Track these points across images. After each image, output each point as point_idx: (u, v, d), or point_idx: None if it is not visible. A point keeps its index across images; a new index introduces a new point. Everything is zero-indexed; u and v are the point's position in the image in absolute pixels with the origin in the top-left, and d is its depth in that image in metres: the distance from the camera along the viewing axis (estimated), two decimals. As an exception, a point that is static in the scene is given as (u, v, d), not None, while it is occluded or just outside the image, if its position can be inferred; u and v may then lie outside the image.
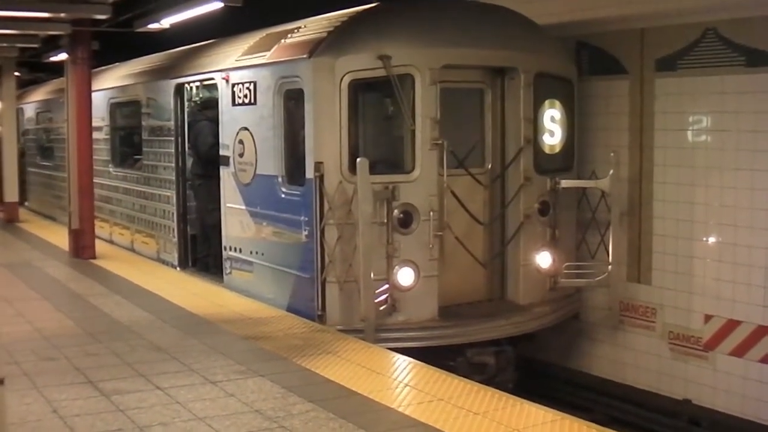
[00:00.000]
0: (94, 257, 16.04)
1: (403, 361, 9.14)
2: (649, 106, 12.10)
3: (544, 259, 11.94)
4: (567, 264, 12.12)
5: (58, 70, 21.55)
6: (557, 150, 12.29)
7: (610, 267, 11.92)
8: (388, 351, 9.60)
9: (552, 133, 12.14)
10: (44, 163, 24.34)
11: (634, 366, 12.50)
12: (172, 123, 14.97)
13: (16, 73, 25.06)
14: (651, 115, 12.08)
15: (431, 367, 8.94)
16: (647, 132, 12.12)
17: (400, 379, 8.52)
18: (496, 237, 11.99)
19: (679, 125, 11.77)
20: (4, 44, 20.23)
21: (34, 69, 28.14)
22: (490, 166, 11.97)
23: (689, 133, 11.69)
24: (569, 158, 12.48)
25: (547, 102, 12.05)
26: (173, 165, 15.02)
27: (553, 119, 12.12)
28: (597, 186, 12.14)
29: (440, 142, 10.91)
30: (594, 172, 12.58)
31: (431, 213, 10.87)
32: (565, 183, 12.00)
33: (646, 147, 12.15)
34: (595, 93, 12.79)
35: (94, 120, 16.60)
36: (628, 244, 12.33)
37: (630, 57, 12.31)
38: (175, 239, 15.13)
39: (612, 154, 11.84)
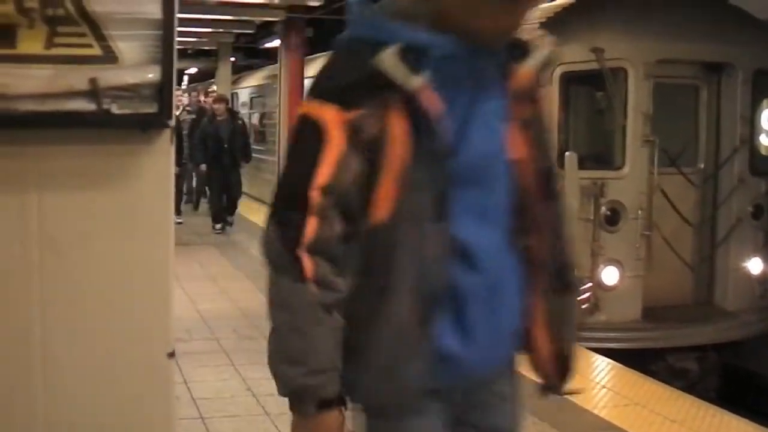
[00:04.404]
0: (300, 240, 16.19)
1: (601, 362, 8.91)
2: None
3: (755, 265, 11.44)
4: (780, 271, 11.61)
5: (272, 56, 22.04)
6: (775, 152, 11.79)
7: (827, 277, 11.36)
8: (587, 351, 9.38)
9: (770, 134, 11.66)
10: (257, 147, 24.89)
11: None
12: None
13: (232, 59, 25.78)
14: None
15: (629, 369, 8.69)
16: None
17: (597, 381, 8.30)
18: (705, 239, 11.55)
19: None
20: (221, 30, 20.83)
21: (249, 55, 28.92)
22: (702, 166, 11.56)
23: None
24: (788, 161, 11.94)
25: (765, 101, 11.56)
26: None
27: (772, 119, 11.64)
28: (817, 191, 11.56)
29: (652, 139, 10.60)
30: (816, 176, 11.95)
31: (639, 211, 10.57)
32: (781, 186, 11.50)
33: None
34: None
35: (305, 106, 16.79)
36: None
37: None
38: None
39: (835, 158, 11.26)
